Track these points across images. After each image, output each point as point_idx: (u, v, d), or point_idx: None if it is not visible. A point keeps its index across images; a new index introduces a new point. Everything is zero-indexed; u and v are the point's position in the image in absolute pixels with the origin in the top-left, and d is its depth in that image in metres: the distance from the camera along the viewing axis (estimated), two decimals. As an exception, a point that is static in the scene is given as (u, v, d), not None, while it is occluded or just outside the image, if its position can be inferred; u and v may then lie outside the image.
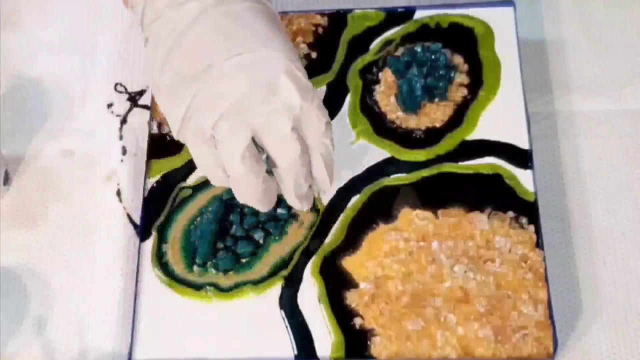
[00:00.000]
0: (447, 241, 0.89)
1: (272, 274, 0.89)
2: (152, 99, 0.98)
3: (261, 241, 0.90)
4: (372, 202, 0.92)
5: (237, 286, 0.89)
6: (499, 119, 0.95)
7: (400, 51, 0.99)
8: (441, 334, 0.85)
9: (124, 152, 1.01)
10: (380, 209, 0.91)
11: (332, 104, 0.97)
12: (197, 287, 0.89)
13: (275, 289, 0.89)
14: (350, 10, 1.01)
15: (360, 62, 0.99)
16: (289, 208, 0.92)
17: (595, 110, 1.00)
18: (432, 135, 0.95)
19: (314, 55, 0.99)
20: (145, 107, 1.03)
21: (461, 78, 0.97)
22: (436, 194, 0.91)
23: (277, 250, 0.90)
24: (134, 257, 0.92)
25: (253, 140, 0.79)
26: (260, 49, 0.77)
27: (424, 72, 0.96)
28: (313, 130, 0.80)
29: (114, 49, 1.07)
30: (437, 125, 0.95)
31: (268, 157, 0.81)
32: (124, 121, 1.03)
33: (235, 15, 0.78)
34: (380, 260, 0.89)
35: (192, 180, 0.94)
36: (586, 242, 0.93)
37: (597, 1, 1.07)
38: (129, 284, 0.93)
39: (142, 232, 0.92)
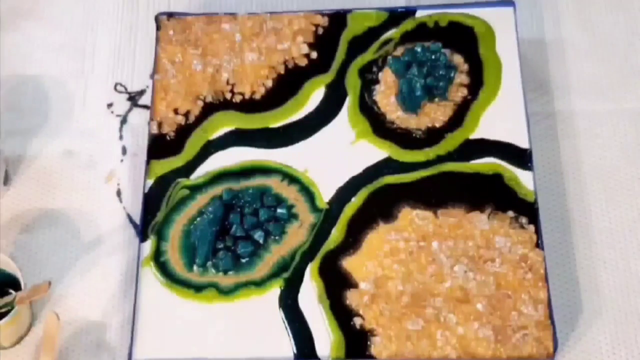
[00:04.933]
0: (447, 241, 0.89)
1: (273, 274, 0.89)
2: (152, 98, 0.98)
3: (261, 241, 0.90)
4: (372, 202, 0.92)
5: (237, 287, 0.89)
6: (499, 119, 0.95)
7: (400, 51, 0.99)
8: (441, 334, 0.85)
9: (124, 152, 1.01)
10: (380, 208, 0.91)
11: (332, 104, 0.97)
12: (198, 289, 0.89)
13: (275, 290, 0.89)
14: (350, 10, 1.01)
15: (360, 61, 0.99)
16: (289, 208, 0.92)
17: (595, 110, 1.01)
18: (432, 135, 0.95)
19: (314, 55, 0.99)
20: (145, 107, 1.03)
21: (461, 78, 0.97)
22: (436, 193, 0.91)
23: (278, 251, 0.90)
24: (134, 257, 0.92)
25: None
26: None
27: (424, 72, 0.96)
28: None
29: (114, 49, 1.07)
30: (437, 125, 0.95)
31: None
32: (124, 121, 1.03)
33: None
34: (381, 260, 0.89)
35: (191, 180, 0.94)
36: (586, 242, 0.94)
37: (597, 1, 1.07)
38: (129, 284, 0.93)
39: (142, 233, 0.92)
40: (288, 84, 0.98)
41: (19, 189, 0.99)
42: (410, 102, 0.96)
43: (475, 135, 0.94)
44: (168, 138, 0.96)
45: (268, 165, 0.94)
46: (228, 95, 0.98)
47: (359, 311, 0.87)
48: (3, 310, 0.86)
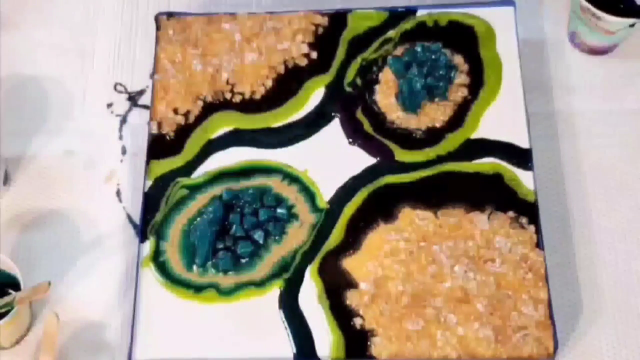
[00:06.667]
0: (448, 241, 0.89)
1: (273, 275, 0.89)
2: (152, 98, 0.98)
3: (261, 241, 0.90)
4: (372, 202, 0.92)
5: (238, 288, 0.89)
6: (499, 119, 0.95)
7: (400, 51, 0.99)
8: (441, 334, 0.85)
9: (124, 152, 1.01)
10: (381, 208, 0.91)
11: (332, 105, 0.97)
12: (197, 289, 0.89)
13: (275, 290, 0.88)
14: (350, 10, 1.01)
15: (360, 61, 0.99)
16: (289, 208, 0.92)
17: (595, 110, 1.01)
18: (432, 135, 0.95)
19: (314, 55, 0.99)
20: (145, 107, 1.03)
21: (461, 78, 0.97)
22: (436, 193, 0.91)
23: (278, 251, 0.90)
24: (133, 257, 0.92)
25: None
26: None
27: (424, 72, 0.96)
28: None
29: (114, 49, 1.07)
30: (437, 125, 0.95)
31: None
32: (123, 121, 1.03)
33: None
34: (381, 261, 0.89)
35: (190, 178, 0.94)
36: (586, 242, 0.94)
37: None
38: (129, 284, 0.93)
39: (142, 233, 0.92)
40: (288, 83, 0.98)
41: (18, 189, 0.99)
42: (410, 102, 0.96)
43: (475, 135, 0.94)
44: (168, 138, 0.96)
45: (268, 165, 0.94)
46: (228, 95, 0.98)
47: (359, 311, 0.87)
48: (3, 310, 0.86)
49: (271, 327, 0.87)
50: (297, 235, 0.91)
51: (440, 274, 0.88)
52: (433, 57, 0.97)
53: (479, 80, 0.97)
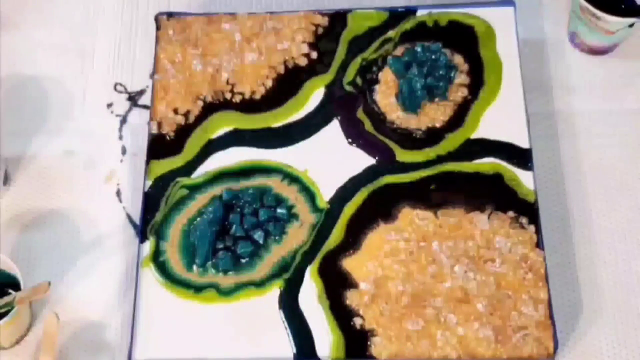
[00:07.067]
0: (447, 241, 0.89)
1: (273, 275, 0.89)
2: (152, 98, 0.98)
3: (261, 241, 0.90)
4: (372, 202, 0.92)
5: (237, 288, 0.89)
6: (499, 119, 0.95)
7: (400, 51, 0.99)
8: (441, 334, 0.85)
9: (124, 152, 1.01)
10: (380, 208, 0.91)
11: (332, 105, 0.97)
12: (197, 289, 0.89)
13: (275, 290, 0.88)
14: (350, 10, 1.01)
15: (360, 61, 0.99)
16: (289, 208, 0.92)
17: (595, 110, 1.01)
18: (432, 135, 0.95)
19: (314, 55, 0.99)
20: (145, 107, 1.03)
21: (461, 78, 0.97)
22: (436, 193, 0.91)
23: (278, 251, 0.90)
24: (133, 257, 0.92)
25: None
26: None
27: (424, 72, 0.96)
28: None
29: (114, 49, 1.07)
30: (437, 125, 0.95)
31: None
32: (123, 121, 1.03)
33: None
34: (381, 261, 0.89)
35: (190, 178, 0.94)
36: (586, 242, 0.93)
37: (597, 1, 1.07)
38: (129, 284, 0.93)
39: (142, 233, 0.92)
40: (288, 84, 0.98)
41: (18, 189, 0.99)
42: (410, 102, 0.96)
43: (475, 135, 0.94)
44: (168, 138, 0.96)
45: (268, 165, 0.94)
46: (228, 95, 0.98)
47: (359, 311, 0.87)
48: (3, 310, 0.86)
49: (271, 327, 0.87)
50: (297, 235, 0.91)
51: (440, 274, 0.88)
52: (433, 57, 0.97)
53: (479, 80, 0.97)
